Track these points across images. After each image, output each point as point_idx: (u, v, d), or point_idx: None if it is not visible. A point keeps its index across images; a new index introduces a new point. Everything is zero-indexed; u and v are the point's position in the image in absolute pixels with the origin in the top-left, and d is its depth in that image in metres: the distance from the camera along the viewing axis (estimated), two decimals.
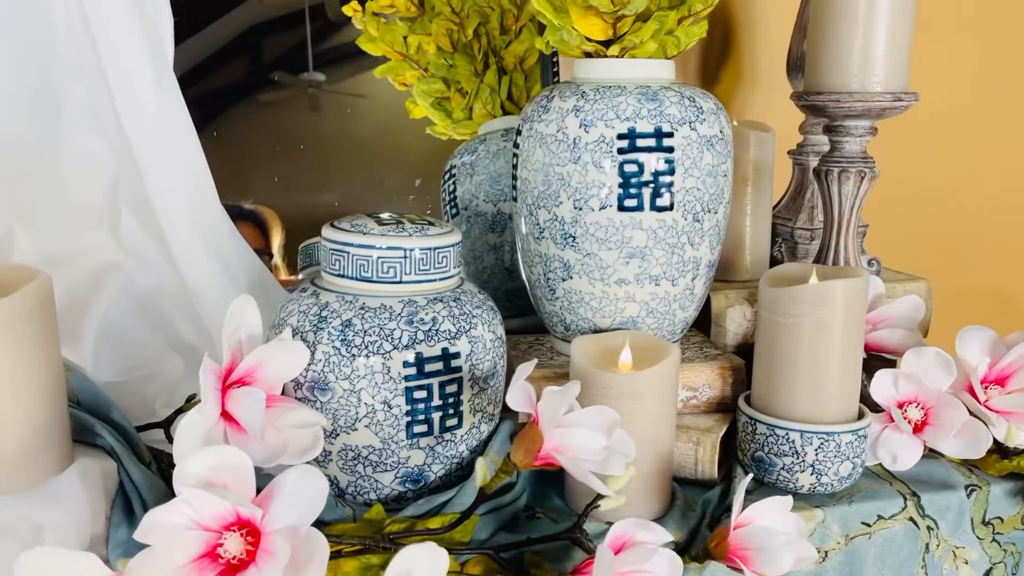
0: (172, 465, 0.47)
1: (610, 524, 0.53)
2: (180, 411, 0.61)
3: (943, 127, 1.22)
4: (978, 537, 0.67)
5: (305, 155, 1.03)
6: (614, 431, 0.52)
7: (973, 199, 1.27)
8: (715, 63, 1.14)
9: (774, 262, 0.93)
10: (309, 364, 0.57)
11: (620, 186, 0.65)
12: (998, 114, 1.26)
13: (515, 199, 0.72)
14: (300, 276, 0.95)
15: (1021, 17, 1.23)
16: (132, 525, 0.52)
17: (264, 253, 1.02)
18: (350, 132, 1.04)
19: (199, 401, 0.52)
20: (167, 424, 0.62)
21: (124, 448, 0.55)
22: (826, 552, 0.63)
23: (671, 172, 0.65)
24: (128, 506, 0.53)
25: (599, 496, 0.53)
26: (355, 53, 0.94)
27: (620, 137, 0.64)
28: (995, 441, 0.68)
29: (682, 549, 0.59)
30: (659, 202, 0.65)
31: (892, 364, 0.76)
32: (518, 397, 0.52)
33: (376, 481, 0.59)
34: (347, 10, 0.92)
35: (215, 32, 0.99)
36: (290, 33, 1.02)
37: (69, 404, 0.56)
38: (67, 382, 0.57)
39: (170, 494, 0.46)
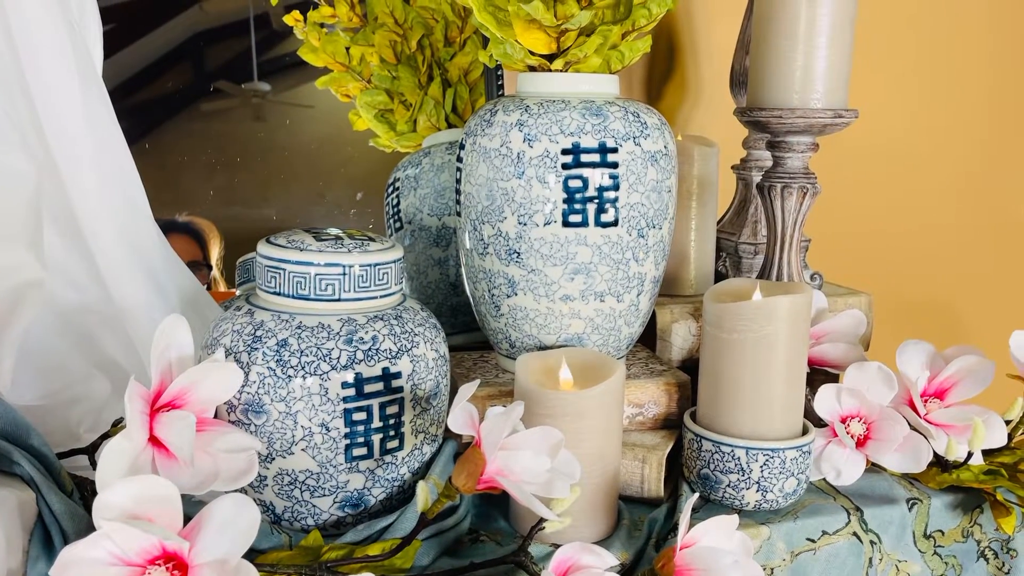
0: (96, 493, 0.45)
1: (556, 546, 0.52)
2: (106, 436, 0.58)
3: (882, 143, 1.24)
4: (920, 550, 0.68)
5: (244, 167, 1.00)
6: (558, 452, 0.50)
7: (911, 214, 1.29)
8: (659, 78, 1.15)
9: (719, 276, 0.93)
10: (243, 386, 0.55)
11: (565, 201, 0.64)
12: (935, 131, 1.29)
13: (459, 214, 0.70)
14: (237, 292, 0.92)
15: (959, 38, 1.27)
16: (52, 559, 0.49)
17: (203, 264, 0.99)
18: (290, 144, 1.02)
19: (126, 425, 0.50)
20: (91, 450, 0.59)
21: (44, 477, 0.52)
22: (772, 569, 0.62)
23: (616, 188, 0.64)
24: (47, 539, 0.51)
25: (543, 518, 0.52)
26: (301, 63, 0.92)
27: (564, 152, 0.64)
28: (935, 454, 0.68)
29: (628, 571, 0.58)
30: (604, 218, 0.65)
31: (834, 378, 0.77)
32: (459, 419, 0.50)
33: (314, 506, 0.57)
34: (289, 20, 0.89)
35: (156, 40, 0.96)
36: (234, 42, 0.99)
37: None
38: None
39: (93, 525, 0.43)
